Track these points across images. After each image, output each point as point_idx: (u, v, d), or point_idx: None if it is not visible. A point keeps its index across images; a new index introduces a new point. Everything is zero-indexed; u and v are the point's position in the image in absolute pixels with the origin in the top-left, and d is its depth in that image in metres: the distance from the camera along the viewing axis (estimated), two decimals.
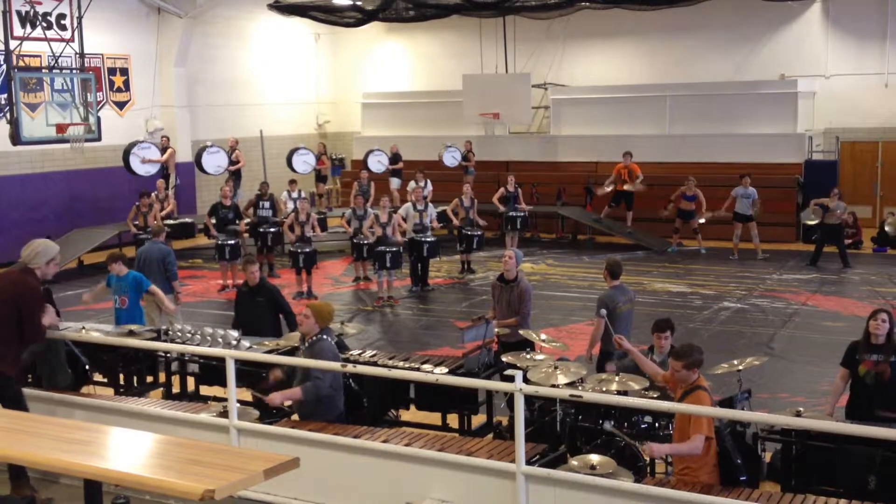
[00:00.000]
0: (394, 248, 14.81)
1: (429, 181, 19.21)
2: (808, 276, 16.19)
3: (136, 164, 18.51)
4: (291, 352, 7.77)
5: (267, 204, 16.98)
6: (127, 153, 18.39)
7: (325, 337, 7.29)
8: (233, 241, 15.95)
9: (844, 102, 20.69)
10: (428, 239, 15.36)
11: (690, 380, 6.34)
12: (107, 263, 10.45)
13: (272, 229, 16.72)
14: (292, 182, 17.95)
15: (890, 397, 7.11)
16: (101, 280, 10.93)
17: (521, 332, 9.06)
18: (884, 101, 20.40)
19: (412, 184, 19.03)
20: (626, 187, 19.89)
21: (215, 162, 19.79)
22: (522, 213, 18.25)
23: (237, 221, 16.36)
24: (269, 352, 8.47)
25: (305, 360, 7.20)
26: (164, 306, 10.71)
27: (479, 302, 14.65)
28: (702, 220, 18.69)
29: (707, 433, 6.11)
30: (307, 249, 15.12)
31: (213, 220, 16.29)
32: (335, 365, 7.11)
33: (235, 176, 20.13)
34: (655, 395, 7.27)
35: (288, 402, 7.37)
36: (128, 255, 11.59)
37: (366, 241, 15.31)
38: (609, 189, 20.03)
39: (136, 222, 17.12)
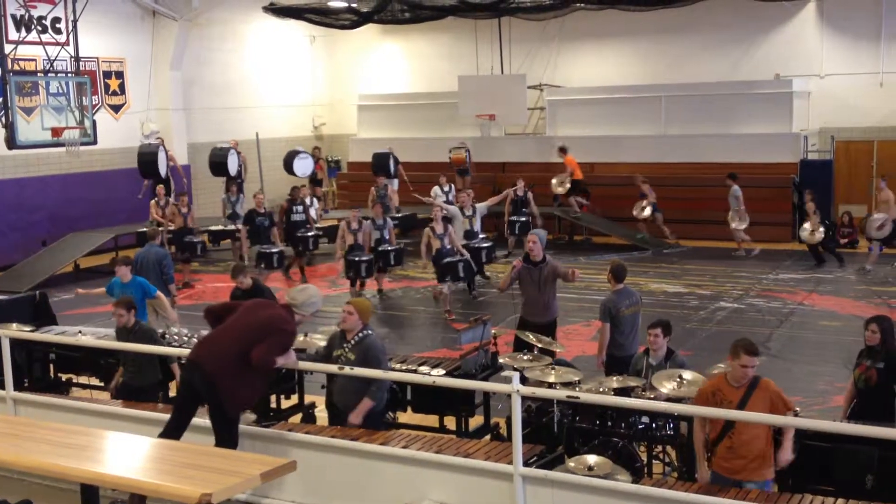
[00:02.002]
0: (464, 259, 13.90)
1: (452, 185, 18.75)
2: (805, 276, 16.20)
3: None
4: (327, 356, 7.45)
5: (300, 208, 16.86)
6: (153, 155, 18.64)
7: (371, 332, 7.20)
8: (277, 250, 15.78)
9: (839, 102, 20.71)
10: (484, 244, 14.80)
11: (750, 375, 6.15)
12: (113, 266, 10.53)
13: (310, 233, 16.66)
14: (303, 187, 17.90)
15: (875, 402, 7.16)
16: (100, 286, 10.94)
17: (517, 333, 9.12)
18: (878, 101, 20.42)
19: (436, 189, 18.45)
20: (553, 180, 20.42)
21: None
22: (525, 218, 18.02)
23: (273, 228, 16.25)
24: None
25: (316, 364, 7.18)
26: (167, 314, 10.79)
27: (476, 303, 14.64)
28: (644, 213, 19.17)
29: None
30: (365, 257, 14.46)
31: (248, 228, 16.03)
32: (332, 368, 7.10)
33: (238, 178, 20.04)
34: (652, 396, 7.27)
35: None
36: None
37: (392, 249, 14.93)
38: (566, 187, 20.19)
39: (161, 215, 17.27)
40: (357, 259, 14.33)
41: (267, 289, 10.33)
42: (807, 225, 17.01)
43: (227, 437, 6.43)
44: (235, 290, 10.17)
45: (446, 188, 18.26)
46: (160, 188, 18.30)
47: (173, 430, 6.51)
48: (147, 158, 18.88)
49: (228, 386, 6.33)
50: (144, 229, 17.73)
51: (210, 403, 6.47)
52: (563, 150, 20.58)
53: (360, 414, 7.02)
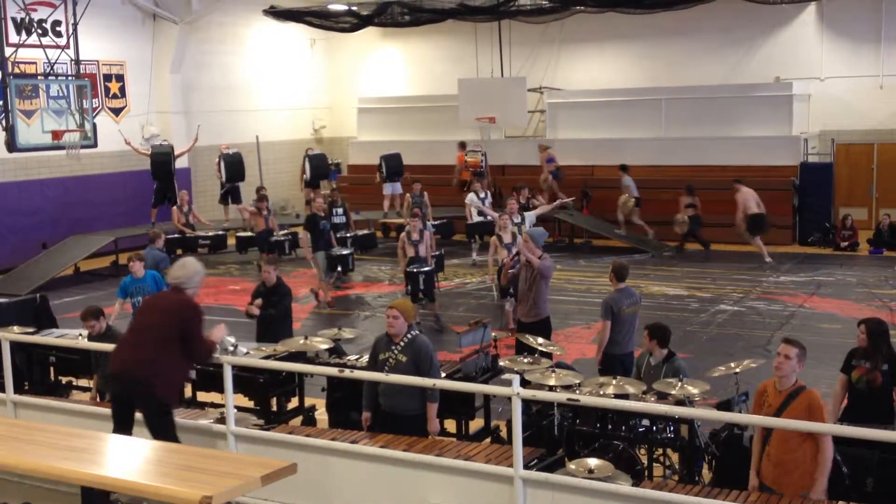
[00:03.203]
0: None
1: (489, 192, 18.23)
2: (806, 279, 16.20)
3: None
4: (373, 360, 7.34)
5: (339, 210, 16.51)
6: None
7: (419, 333, 7.28)
8: (346, 252, 15.35)
9: (839, 105, 20.72)
10: None
11: (793, 380, 5.96)
12: (128, 262, 10.76)
13: (349, 235, 16.44)
14: (334, 191, 17.61)
15: (877, 404, 7.13)
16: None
17: (518, 337, 9.13)
18: (878, 103, 20.43)
19: (472, 196, 18.00)
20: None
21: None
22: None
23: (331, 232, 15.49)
24: (267, 358, 8.48)
25: (299, 365, 7.14)
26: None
27: (475, 306, 14.64)
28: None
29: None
30: (426, 269, 13.46)
31: (310, 234, 15.10)
32: (332, 370, 7.09)
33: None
34: (653, 399, 7.27)
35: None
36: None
37: (435, 255, 14.29)
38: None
39: (183, 222, 17.35)
40: (416, 271, 13.37)
41: (286, 288, 10.37)
42: (677, 216, 19.02)
43: (165, 431, 6.43)
44: (260, 285, 10.33)
45: (482, 195, 18.00)
46: (183, 194, 18.06)
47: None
48: (160, 159, 18.90)
49: (160, 382, 6.45)
50: (141, 232, 17.87)
51: (145, 405, 6.52)
52: (459, 146, 21.28)
53: (433, 420, 7.10)
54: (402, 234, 14.02)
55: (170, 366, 6.51)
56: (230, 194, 19.61)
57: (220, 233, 18.48)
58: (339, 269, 15.45)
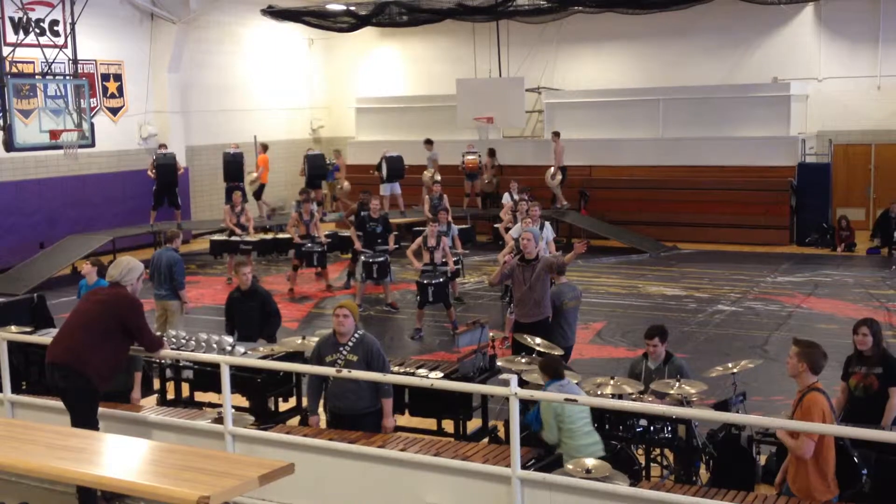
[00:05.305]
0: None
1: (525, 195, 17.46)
2: (803, 279, 16.22)
3: None
4: (318, 362, 7.35)
5: (374, 214, 14.80)
6: None
7: (365, 332, 7.36)
8: (381, 259, 14.24)
9: (837, 105, 20.75)
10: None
11: (805, 379, 5.98)
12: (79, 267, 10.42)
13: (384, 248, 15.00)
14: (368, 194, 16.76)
15: (874, 407, 7.09)
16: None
17: (515, 336, 9.11)
18: (876, 104, 20.45)
19: (507, 197, 17.53)
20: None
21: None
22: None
23: (387, 236, 14.62)
24: (264, 358, 8.47)
25: (297, 365, 7.15)
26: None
27: (473, 306, 14.64)
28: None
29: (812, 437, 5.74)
30: (436, 280, 12.78)
31: (360, 234, 14.62)
32: (331, 370, 7.09)
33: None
34: (650, 399, 7.28)
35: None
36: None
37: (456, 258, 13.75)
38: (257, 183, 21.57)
39: (234, 222, 16.88)
40: (425, 283, 12.78)
41: (264, 290, 10.19)
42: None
43: (88, 420, 6.55)
44: (234, 291, 10.09)
45: (517, 196, 17.83)
46: (237, 195, 17.51)
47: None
48: (165, 170, 18.82)
49: (91, 370, 6.56)
50: (139, 232, 17.71)
51: (76, 391, 6.61)
52: (262, 147, 21.77)
53: (389, 416, 7.18)
54: (419, 238, 13.45)
55: (101, 354, 6.61)
56: (230, 194, 19.35)
57: (267, 237, 18.04)
58: (365, 275, 14.43)
